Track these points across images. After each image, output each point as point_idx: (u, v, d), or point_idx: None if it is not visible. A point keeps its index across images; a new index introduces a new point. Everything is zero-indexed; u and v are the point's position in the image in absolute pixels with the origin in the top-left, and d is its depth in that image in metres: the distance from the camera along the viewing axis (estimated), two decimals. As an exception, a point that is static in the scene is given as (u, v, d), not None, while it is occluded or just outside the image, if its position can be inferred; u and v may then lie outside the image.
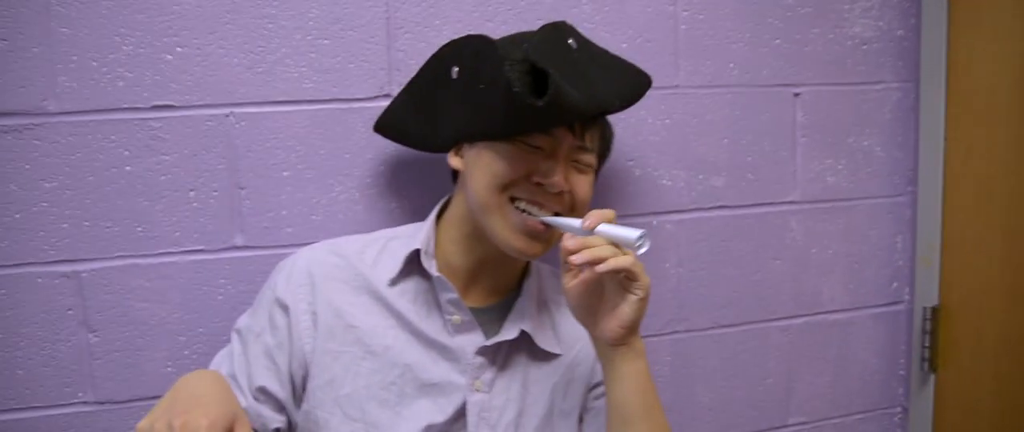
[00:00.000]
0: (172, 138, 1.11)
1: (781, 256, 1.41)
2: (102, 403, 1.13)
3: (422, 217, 1.20)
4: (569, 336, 1.07)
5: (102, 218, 1.10)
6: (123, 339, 1.13)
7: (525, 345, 1.03)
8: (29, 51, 1.04)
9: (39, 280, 1.09)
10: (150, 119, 1.10)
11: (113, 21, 1.07)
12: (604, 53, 1.09)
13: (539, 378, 1.03)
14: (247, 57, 1.12)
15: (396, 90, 1.17)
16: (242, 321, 1.01)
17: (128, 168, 1.10)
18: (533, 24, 1.11)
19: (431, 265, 1.00)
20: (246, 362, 0.97)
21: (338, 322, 0.98)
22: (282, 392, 0.97)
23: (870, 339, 1.50)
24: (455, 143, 1.03)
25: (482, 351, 0.99)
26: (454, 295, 0.99)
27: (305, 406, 0.97)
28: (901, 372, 1.52)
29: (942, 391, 1.43)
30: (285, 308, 0.98)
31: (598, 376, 1.05)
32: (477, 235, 1.00)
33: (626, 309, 0.89)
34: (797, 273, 1.43)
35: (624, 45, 1.27)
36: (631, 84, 1.08)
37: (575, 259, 0.84)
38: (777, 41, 1.36)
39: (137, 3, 1.08)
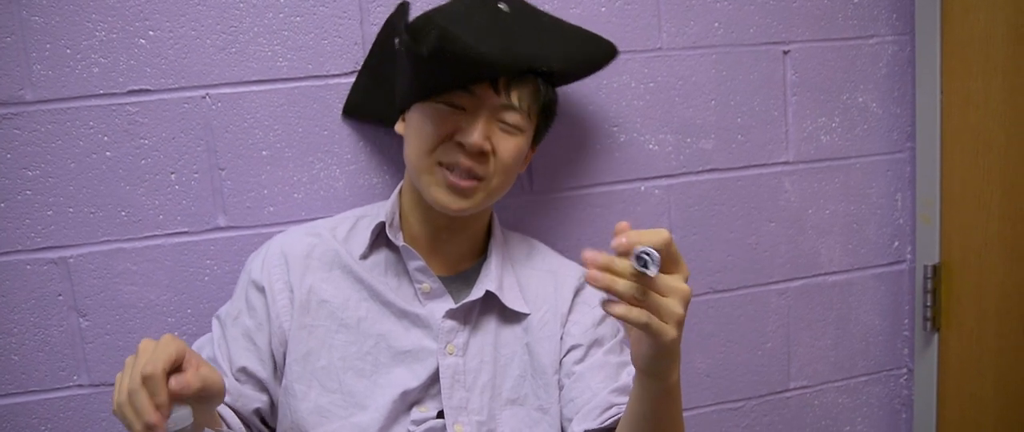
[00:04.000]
0: (150, 122, 1.12)
1: (776, 218, 1.39)
2: (96, 386, 1.15)
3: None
4: (536, 296, 1.07)
5: (86, 204, 1.12)
6: (114, 322, 1.15)
7: (494, 307, 1.04)
8: (2, 41, 1.05)
9: (28, 267, 1.11)
10: (127, 104, 1.11)
11: (85, 8, 1.07)
12: (556, 21, 1.08)
13: (510, 339, 1.04)
14: (220, 38, 1.12)
15: (371, 65, 1.17)
16: (222, 309, 1.04)
17: (108, 153, 1.11)
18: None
19: (397, 236, 1.02)
20: (226, 344, 1.00)
21: (311, 297, 0.99)
22: (263, 371, 0.99)
23: (872, 300, 1.47)
24: (402, 111, 1.04)
25: (450, 314, 1.01)
26: (421, 263, 1.01)
27: (284, 380, 0.99)
28: (905, 332, 1.49)
29: (946, 350, 1.40)
30: (261, 289, 1.00)
31: (573, 339, 1.05)
32: (426, 206, 1.01)
33: (641, 347, 0.77)
34: (793, 235, 1.40)
35: (603, 8, 1.24)
36: (580, 49, 1.06)
37: (590, 278, 0.69)
38: (764, -2, 1.33)
39: (107, -12, 1.08)
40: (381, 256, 1.03)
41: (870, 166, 1.43)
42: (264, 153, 1.16)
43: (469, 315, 1.03)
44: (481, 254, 1.09)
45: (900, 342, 1.50)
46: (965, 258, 1.34)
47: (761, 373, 1.43)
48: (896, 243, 1.46)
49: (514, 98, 0.96)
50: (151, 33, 1.10)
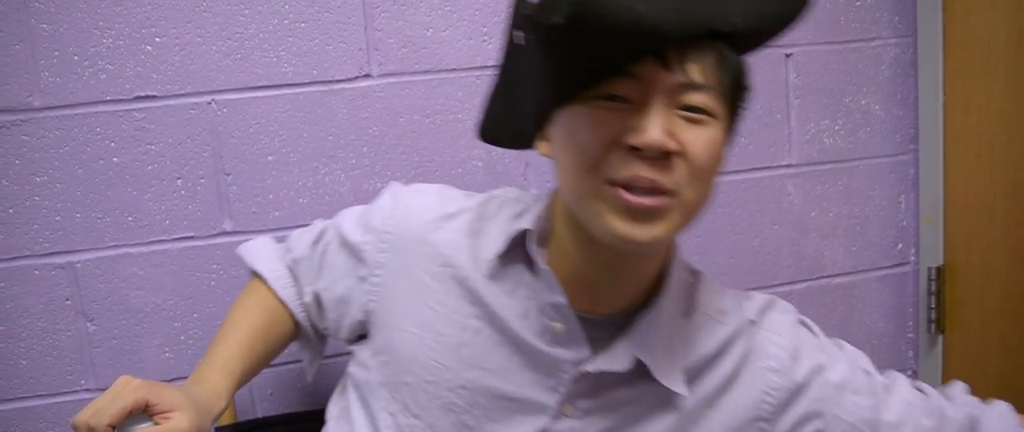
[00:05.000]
0: (156, 128, 1.13)
1: (779, 221, 1.39)
2: (104, 390, 1.15)
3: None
4: (704, 371, 0.82)
5: (93, 209, 1.12)
6: (120, 327, 1.15)
7: (642, 375, 0.79)
8: (11, 48, 1.07)
9: (36, 272, 1.12)
10: (133, 110, 1.12)
11: (91, 15, 1.09)
12: None
13: (651, 414, 0.80)
14: (225, 44, 1.13)
15: (376, 70, 1.18)
16: (347, 223, 0.90)
17: (115, 159, 1.12)
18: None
19: (541, 256, 0.79)
20: (321, 264, 0.91)
21: (414, 298, 0.82)
22: (330, 313, 0.90)
23: (876, 302, 1.47)
24: (539, 126, 0.78)
25: (581, 378, 0.78)
26: (561, 299, 0.77)
27: (370, 374, 0.85)
28: (909, 335, 1.49)
29: (950, 352, 1.40)
30: (361, 259, 0.87)
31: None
32: (588, 234, 0.74)
33: None
34: (797, 237, 1.41)
35: (606, 13, 1.25)
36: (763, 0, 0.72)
37: None
38: (765, 2, 1.33)
39: (114, -4, 1.09)
40: (513, 271, 0.81)
41: (873, 168, 1.43)
42: (269, 158, 1.16)
43: (603, 382, 0.79)
44: (645, 297, 0.81)
45: (904, 344, 1.50)
46: (969, 260, 1.34)
47: (765, 375, 1.43)
48: (899, 245, 1.46)
49: (694, 73, 0.68)
50: (157, 40, 1.11)
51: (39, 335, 1.13)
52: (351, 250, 0.88)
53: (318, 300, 0.91)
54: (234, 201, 1.16)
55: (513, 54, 0.79)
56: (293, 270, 0.94)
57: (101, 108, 1.11)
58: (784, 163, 1.38)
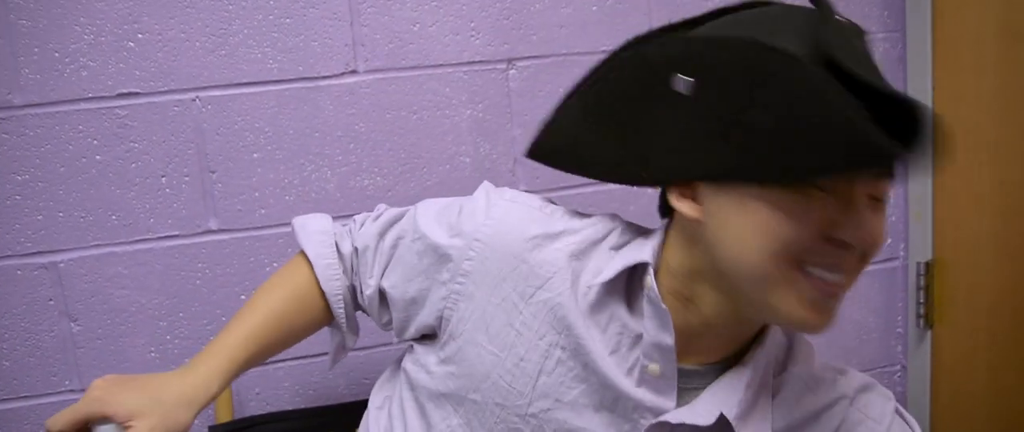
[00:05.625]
0: (139, 125, 1.11)
1: (768, 217, 1.39)
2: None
3: (396, 196, 1.19)
4: (789, 423, 0.77)
5: (76, 208, 1.11)
6: (105, 327, 1.14)
7: (721, 429, 0.74)
8: (-10, 45, 1.05)
9: (18, 272, 1.11)
10: (116, 107, 1.10)
11: (72, 11, 1.07)
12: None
13: None
14: (209, 40, 1.12)
15: (362, 66, 1.17)
16: (426, 220, 0.83)
17: (98, 157, 1.11)
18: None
19: (660, 297, 0.73)
20: (391, 258, 0.85)
21: (498, 316, 0.78)
22: (395, 312, 0.85)
23: (865, 297, 1.47)
24: (681, 179, 0.72)
25: (659, 426, 0.75)
26: (669, 341, 0.73)
27: (434, 383, 0.81)
28: (899, 329, 1.49)
29: (939, 347, 1.40)
30: (445, 264, 0.80)
31: None
32: (707, 298, 0.73)
33: None
34: (786, 233, 1.40)
35: (594, 8, 1.24)
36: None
37: None
38: (755, -4, 1.32)
39: (95, -9, 1.08)
40: (612, 302, 0.76)
41: (862, 163, 1.42)
42: (255, 155, 1.15)
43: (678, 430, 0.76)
44: (737, 353, 0.78)
45: (893, 339, 1.50)
46: (958, 255, 1.34)
47: (755, 371, 1.43)
48: (888, 240, 1.46)
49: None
50: (140, 36, 1.10)
51: (22, 336, 1.12)
52: (431, 250, 0.81)
53: (383, 296, 0.86)
54: (219, 199, 1.15)
55: (650, 92, 0.72)
56: (352, 259, 0.88)
57: (83, 105, 1.09)
58: (773, 158, 1.37)
